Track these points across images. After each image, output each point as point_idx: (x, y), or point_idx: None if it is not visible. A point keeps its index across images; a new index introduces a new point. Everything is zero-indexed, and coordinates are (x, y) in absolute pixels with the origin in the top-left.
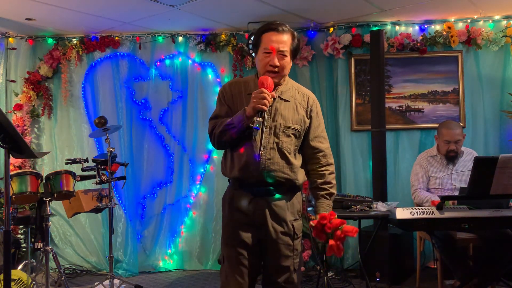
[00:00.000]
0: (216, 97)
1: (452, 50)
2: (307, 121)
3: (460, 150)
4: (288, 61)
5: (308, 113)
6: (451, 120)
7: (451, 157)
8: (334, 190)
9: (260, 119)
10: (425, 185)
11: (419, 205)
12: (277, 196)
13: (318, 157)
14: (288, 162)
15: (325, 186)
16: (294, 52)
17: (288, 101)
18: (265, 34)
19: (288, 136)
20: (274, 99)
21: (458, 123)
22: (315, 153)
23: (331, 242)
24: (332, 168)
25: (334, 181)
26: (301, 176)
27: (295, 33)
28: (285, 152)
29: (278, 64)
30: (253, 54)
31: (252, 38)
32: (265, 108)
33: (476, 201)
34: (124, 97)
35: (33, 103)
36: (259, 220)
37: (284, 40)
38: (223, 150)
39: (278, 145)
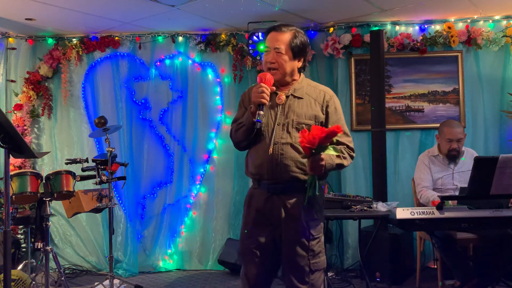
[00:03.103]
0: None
1: (452, 50)
2: (322, 116)
3: (462, 149)
4: (285, 59)
5: (324, 108)
6: (452, 119)
7: (453, 156)
8: (341, 161)
9: (261, 112)
10: (431, 184)
11: (425, 204)
12: (292, 193)
13: (341, 149)
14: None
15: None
16: (296, 50)
17: (302, 98)
18: (268, 35)
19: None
20: (287, 96)
21: (459, 122)
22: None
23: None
24: (352, 153)
25: (347, 162)
26: None
27: (298, 32)
28: (298, 147)
29: (273, 60)
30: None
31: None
32: (265, 101)
33: (476, 201)
34: (124, 97)
35: (33, 103)
36: (275, 219)
37: (280, 39)
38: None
39: (291, 140)
